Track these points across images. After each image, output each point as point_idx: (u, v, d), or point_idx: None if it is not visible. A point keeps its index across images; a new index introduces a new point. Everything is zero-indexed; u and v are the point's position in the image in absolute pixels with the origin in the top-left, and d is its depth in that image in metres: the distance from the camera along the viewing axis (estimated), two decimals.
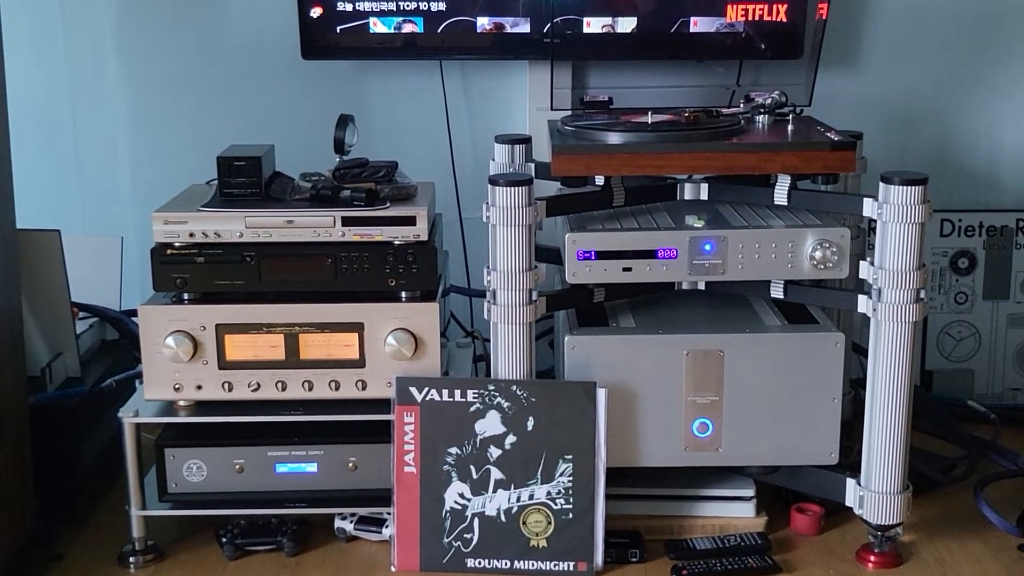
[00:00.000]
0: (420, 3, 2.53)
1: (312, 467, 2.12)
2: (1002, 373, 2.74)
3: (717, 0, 2.51)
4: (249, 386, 2.09)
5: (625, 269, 2.06)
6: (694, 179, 2.23)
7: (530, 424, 2.03)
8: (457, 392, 2.04)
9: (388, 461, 2.05)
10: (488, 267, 2.02)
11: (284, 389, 2.09)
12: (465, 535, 2.04)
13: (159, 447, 2.10)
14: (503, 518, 2.04)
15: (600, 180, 2.13)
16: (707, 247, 2.05)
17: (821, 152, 2.04)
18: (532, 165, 2.29)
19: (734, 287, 2.16)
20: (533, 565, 2.04)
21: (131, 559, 2.09)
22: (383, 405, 2.06)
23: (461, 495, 2.05)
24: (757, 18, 2.52)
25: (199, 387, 2.09)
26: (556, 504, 2.04)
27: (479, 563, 2.04)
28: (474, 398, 2.04)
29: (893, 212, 1.93)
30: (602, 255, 2.05)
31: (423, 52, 2.58)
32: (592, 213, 2.16)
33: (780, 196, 2.11)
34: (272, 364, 2.08)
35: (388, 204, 2.11)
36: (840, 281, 2.14)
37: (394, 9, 2.53)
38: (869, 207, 1.98)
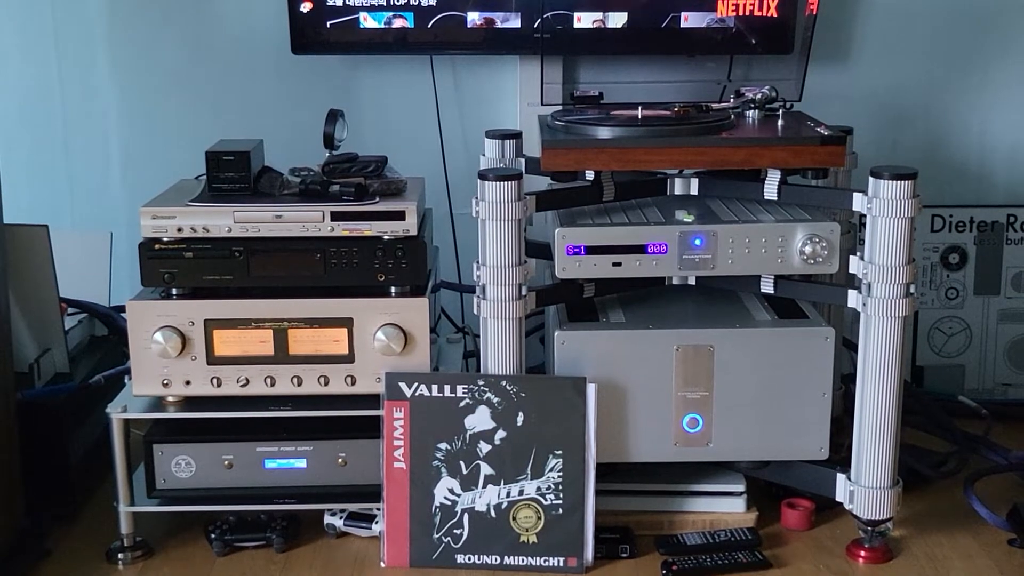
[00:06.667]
0: None
1: (301, 463, 2.11)
2: (992, 368, 2.74)
3: None
4: (238, 382, 2.08)
5: (615, 264, 2.05)
6: (684, 174, 2.23)
7: (520, 419, 2.03)
8: (447, 387, 2.04)
9: (378, 457, 2.04)
10: (478, 262, 2.02)
11: (273, 385, 2.09)
12: (455, 531, 2.04)
13: (147, 443, 2.09)
14: (493, 514, 2.04)
15: (590, 175, 2.12)
16: (697, 242, 2.04)
17: (811, 147, 2.04)
18: (522, 160, 2.28)
19: (724, 282, 2.15)
20: (523, 561, 2.03)
21: (119, 556, 2.09)
22: (372, 401, 2.06)
23: (451, 491, 2.04)
24: (748, 13, 2.52)
25: (187, 383, 2.08)
26: (546, 499, 2.03)
27: (469, 559, 2.04)
28: (464, 393, 2.03)
29: (883, 207, 1.93)
30: (592, 250, 2.05)
31: (413, 47, 2.58)
32: (582, 208, 2.15)
33: (770, 191, 2.11)
34: (261, 359, 2.08)
35: (377, 199, 2.11)
36: (830, 276, 2.14)
37: (384, 4, 2.53)
38: (859, 202, 1.98)
